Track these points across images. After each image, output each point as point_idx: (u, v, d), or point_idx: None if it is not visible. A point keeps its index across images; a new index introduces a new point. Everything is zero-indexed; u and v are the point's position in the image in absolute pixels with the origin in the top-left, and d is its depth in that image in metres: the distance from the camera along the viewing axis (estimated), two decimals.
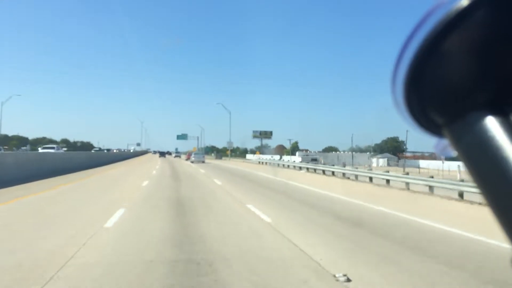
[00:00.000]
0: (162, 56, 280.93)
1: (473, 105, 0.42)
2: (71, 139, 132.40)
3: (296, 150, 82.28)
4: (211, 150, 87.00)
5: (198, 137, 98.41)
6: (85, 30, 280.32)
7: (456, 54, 0.41)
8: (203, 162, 46.12)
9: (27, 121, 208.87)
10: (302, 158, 69.09)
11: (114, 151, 77.81)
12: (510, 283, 4.27)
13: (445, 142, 0.46)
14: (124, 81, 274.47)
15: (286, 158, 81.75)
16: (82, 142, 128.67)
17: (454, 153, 0.45)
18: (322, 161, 67.24)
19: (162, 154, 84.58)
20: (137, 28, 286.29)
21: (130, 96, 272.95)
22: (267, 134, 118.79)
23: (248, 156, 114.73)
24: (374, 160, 72.80)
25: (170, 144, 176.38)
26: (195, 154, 50.68)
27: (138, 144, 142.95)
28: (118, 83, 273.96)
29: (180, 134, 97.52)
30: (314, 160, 67.13)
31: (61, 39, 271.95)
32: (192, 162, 46.07)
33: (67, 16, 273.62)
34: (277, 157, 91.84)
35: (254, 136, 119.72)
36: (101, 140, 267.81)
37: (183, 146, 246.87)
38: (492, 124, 0.40)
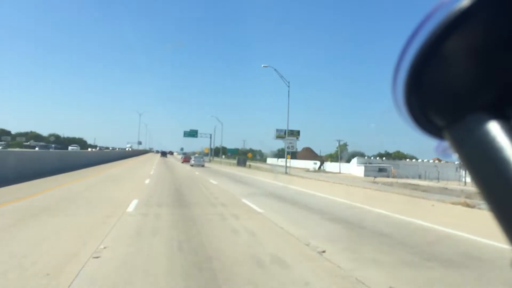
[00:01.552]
0: (168, 52, 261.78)
1: (473, 108, 0.42)
2: (68, 136, 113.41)
3: (345, 154, 60.68)
4: (236, 152, 65.37)
5: (211, 135, 77.76)
6: (84, 24, 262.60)
7: (457, 56, 0.41)
8: (203, 166, 41.82)
9: (19, 115, 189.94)
10: (365, 167, 47.67)
11: (89, 149, 57.17)
12: None
13: (446, 144, 0.45)
14: (127, 80, 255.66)
15: (328, 165, 60.95)
16: (57, 137, 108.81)
17: (455, 155, 0.45)
18: (394, 173, 46.21)
19: (164, 154, 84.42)
20: (138, 23, 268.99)
21: (133, 94, 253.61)
22: (294, 134, 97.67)
23: (270, 160, 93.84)
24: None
25: (177, 144, 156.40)
26: (195, 157, 45.99)
27: (140, 143, 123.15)
28: (121, 81, 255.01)
29: (188, 130, 76.97)
30: (383, 170, 46.12)
31: (58, 33, 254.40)
32: (192, 165, 41.38)
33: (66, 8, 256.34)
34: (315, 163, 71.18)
35: (278, 137, 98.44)
36: (101, 138, 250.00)
37: (192, 145, 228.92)
38: (492, 127, 0.40)
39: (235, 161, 67.08)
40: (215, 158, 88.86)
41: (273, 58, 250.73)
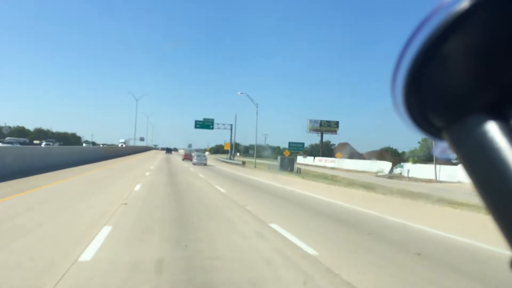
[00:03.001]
0: (169, 48, 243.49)
1: (472, 108, 0.42)
2: (58, 130, 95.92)
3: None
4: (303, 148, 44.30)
5: (231, 125, 58.51)
6: (81, 18, 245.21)
7: (456, 57, 0.41)
8: (205, 164, 37.31)
9: (11, 110, 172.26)
10: None
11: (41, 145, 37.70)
12: None
13: (445, 144, 0.46)
14: (130, 74, 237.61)
15: (412, 168, 41.59)
16: (42, 132, 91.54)
17: (453, 156, 0.44)
18: None
19: (169, 150, 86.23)
20: (137, 17, 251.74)
21: (137, 89, 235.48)
22: (331, 126, 78.31)
23: (302, 159, 74.58)
24: None
25: (187, 141, 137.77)
26: (197, 155, 41.24)
27: (142, 139, 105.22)
28: (122, 76, 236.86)
29: (200, 120, 57.88)
30: None
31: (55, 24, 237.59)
32: (194, 164, 36.69)
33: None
34: (379, 164, 51.16)
35: (311, 129, 79.27)
36: (102, 134, 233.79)
37: (207, 139, 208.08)
38: (491, 128, 0.40)
39: (268, 162, 47.94)
40: (240, 157, 69.57)
41: (277, 53, 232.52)
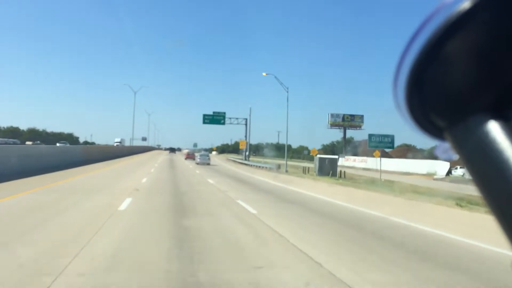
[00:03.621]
0: (170, 46, 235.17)
1: (474, 109, 0.42)
2: (53, 130, 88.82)
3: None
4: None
5: (246, 120, 49.77)
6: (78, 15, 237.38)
7: (458, 57, 0.41)
8: (208, 164, 35.14)
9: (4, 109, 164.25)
10: None
11: None
12: None
13: (447, 145, 0.46)
14: (133, 73, 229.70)
15: None
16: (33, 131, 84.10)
17: (456, 156, 0.45)
18: None
19: (172, 150, 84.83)
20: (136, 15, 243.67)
21: (140, 88, 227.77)
22: (355, 121, 69.45)
23: (341, 160, 65.71)
24: None
25: (193, 140, 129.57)
26: (201, 155, 39.37)
27: (144, 139, 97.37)
28: (125, 74, 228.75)
29: (209, 114, 49.21)
30: None
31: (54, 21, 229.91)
32: (197, 163, 35.03)
33: None
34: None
35: (333, 124, 70.44)
36: (101, 134, 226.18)
37: (210, 139, 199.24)
38: (493, 128, 0.40)
39: (297, 163, 39.46)
40: (251, 157, 60.78)
41: (281, 50, 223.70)
